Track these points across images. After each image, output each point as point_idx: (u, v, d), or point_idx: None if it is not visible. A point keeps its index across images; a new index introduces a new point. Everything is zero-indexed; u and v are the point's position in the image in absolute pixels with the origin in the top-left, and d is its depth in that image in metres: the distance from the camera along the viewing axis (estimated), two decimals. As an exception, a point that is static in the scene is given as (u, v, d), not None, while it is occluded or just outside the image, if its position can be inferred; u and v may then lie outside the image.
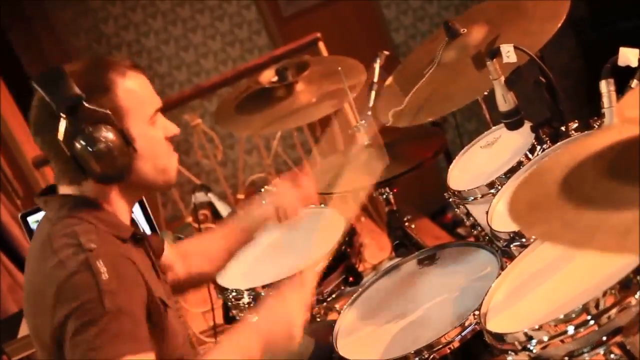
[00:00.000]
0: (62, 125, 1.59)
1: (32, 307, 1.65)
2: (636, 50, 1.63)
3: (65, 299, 1.53)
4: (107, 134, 1.61)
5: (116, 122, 1.63)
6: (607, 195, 1.09)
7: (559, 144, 2.01)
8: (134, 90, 1.68)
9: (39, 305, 1.59)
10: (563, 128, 2.05)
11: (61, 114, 1.59)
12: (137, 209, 2.48)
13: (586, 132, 1.96)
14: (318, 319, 2.53)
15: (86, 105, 1.60)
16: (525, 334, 1.45)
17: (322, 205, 2.75)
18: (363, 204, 2.12)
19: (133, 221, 1.82)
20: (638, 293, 1.36)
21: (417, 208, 4.63)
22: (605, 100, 1.64)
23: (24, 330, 2.79)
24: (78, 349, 1.49)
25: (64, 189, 1.70)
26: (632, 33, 3.97)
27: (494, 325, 1.59)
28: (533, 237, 1.71)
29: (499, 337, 1.52)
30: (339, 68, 2.61)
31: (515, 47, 1.94)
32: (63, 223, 1.63)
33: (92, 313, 1.50)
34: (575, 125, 2.04)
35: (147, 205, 2.54)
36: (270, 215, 2.12)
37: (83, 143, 1.60)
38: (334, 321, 2.09)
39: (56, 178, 1.72)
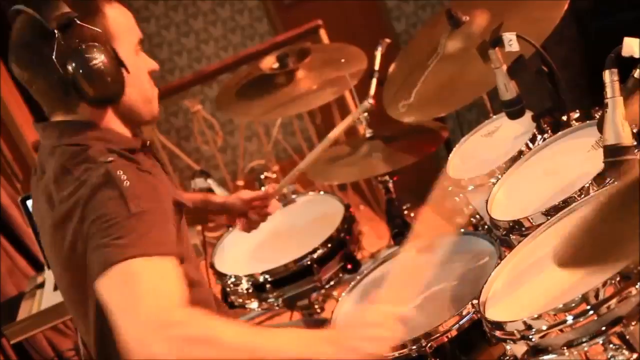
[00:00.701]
0: (56, 43, 1.58)
1: (55, 235, 1.61)
2: (640, 41, 1.62)
3: (90, 210, 1.51)
4: (101, 54, 1.60)
5: (108, 43, 1.64)
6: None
7: (559, 133, 2.01)
8: (120, 17, 1.70)
9: (66, 230, 1.56)
10: (564, 118, 2.04)
11: (55, 31, 1.58)
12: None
13: (588, 122, 1.96)
14: (316, 306, 2.53)
15: (79, 23, 1.60)
16: (524, 322, 1.45)
17: (322, 192, 2.75)
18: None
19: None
20: (638, 283, 1.36)
21: (417, 196, 4.62)
22: (608, 90, 1.62)
23: (23, 312, 2.80)
24: (101, 250, 1.46)
25: (58, 117, 1.69)
26: (633, 24, 3.96)
27: (492, 314, 1.59)
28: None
29: (498, 326, 1.52)
30: (342, 60, 2.60)
31: (518, 36, 1.93)
32: (73, 151, 1.62)
33: (118, 216, 1.48)
34: (577, 115, 2.04)
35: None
36: (217, 204, 2.25)
37: (77, 62, 1.59)
38: (326, 320, 2.09)
39: (48, 107, 1.70)
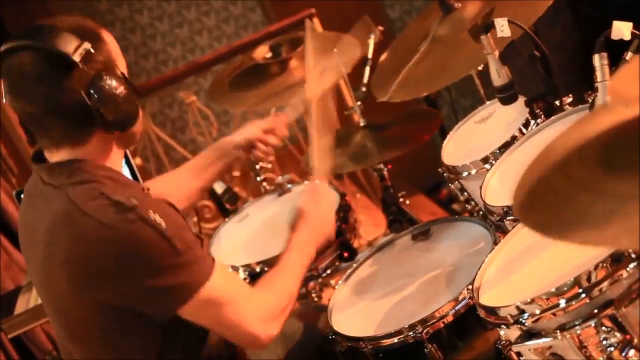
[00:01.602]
0: (77, 74, 1.58)
1: (76, 276, 1.61)
2: (630, 24, 1.62)
3: (138, 262, 1.57)
4: (117, 80, 1.63)
5: (117, 69, 1.66)
6: (597, 185, 1.07)
7: (552, 118, 2.01)
8: (114, 42, 1.71)
9: (93, 271, 1.59)
10: (557, 102, 2.05)
11: (78, 63, 1.58)
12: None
13: (581, 106, 1.96)
14: (313, 295, 2.54)
15: (93, 52, 1.61)
16: (518, 307, 1.46)
17: (317, 182, 2.75)
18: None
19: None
20: (629, 266, 1.37)
21: (412, 184, 4.62)
22: (598, 74, 1.63)
23: (20, 307, 2.80)
24: (170, 289, 1.60)
25: (61, 155, 1.66)
26: (627, 8, 3.95)
27: (486, 299, 1.60)
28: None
29: (492, 311, 1.53)
30: (334, 49, 2.59)
31: (510, 21, 1.93)
32: (83, 188, 1.61)
33: (171, 258, 1.58)
34: (570, 99, 2.04)
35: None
36: (238, 144, 2.28)
37: (99, 89, 1.59)
38: (324, 305, 2.10)
39: (55, 140, 1.66)
